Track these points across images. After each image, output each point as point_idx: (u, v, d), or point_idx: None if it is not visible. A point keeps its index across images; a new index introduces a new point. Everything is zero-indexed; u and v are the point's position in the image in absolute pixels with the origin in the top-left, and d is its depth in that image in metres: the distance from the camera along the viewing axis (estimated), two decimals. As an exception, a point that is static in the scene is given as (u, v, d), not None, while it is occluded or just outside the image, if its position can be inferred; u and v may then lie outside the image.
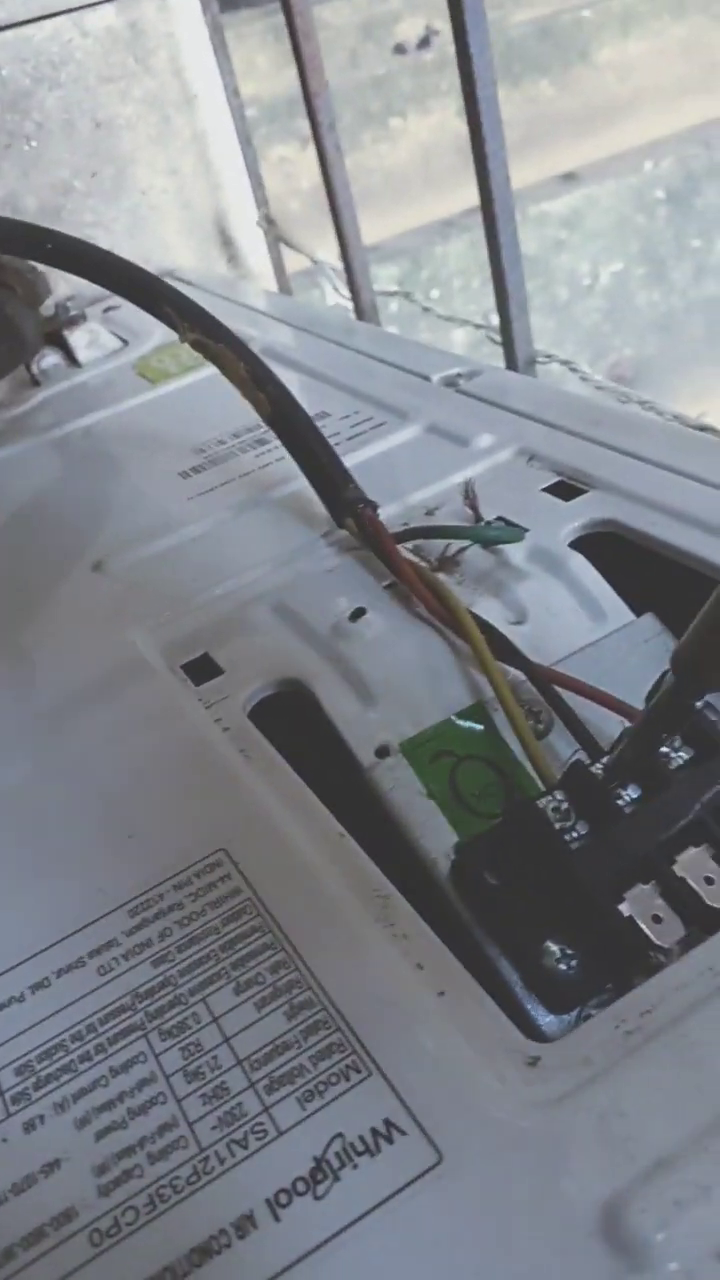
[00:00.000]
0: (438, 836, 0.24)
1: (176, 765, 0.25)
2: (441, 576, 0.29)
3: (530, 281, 0.50)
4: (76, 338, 0.48)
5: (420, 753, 0.25)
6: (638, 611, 0.29)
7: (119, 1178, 0.17)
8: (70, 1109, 0.18)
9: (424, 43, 1.86)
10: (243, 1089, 0.18)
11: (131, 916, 0.21)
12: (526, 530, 0.30)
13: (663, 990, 0.18)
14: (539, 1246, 0.15)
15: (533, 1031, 0.20)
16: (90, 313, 0.51)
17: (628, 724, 0.24)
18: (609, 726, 0.25)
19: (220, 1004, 0.19)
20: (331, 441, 0.34)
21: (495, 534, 0.30)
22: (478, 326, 0.52)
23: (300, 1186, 0.16)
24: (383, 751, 0.26)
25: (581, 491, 0.32)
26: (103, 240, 0.57)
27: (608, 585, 0.29)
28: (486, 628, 0.27)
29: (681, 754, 0.24)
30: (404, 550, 0.30)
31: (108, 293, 0.39)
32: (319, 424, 0.34)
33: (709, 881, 0.22)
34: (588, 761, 0.23)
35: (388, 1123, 0.17)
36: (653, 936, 0.21)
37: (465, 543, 0.30)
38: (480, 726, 0.26)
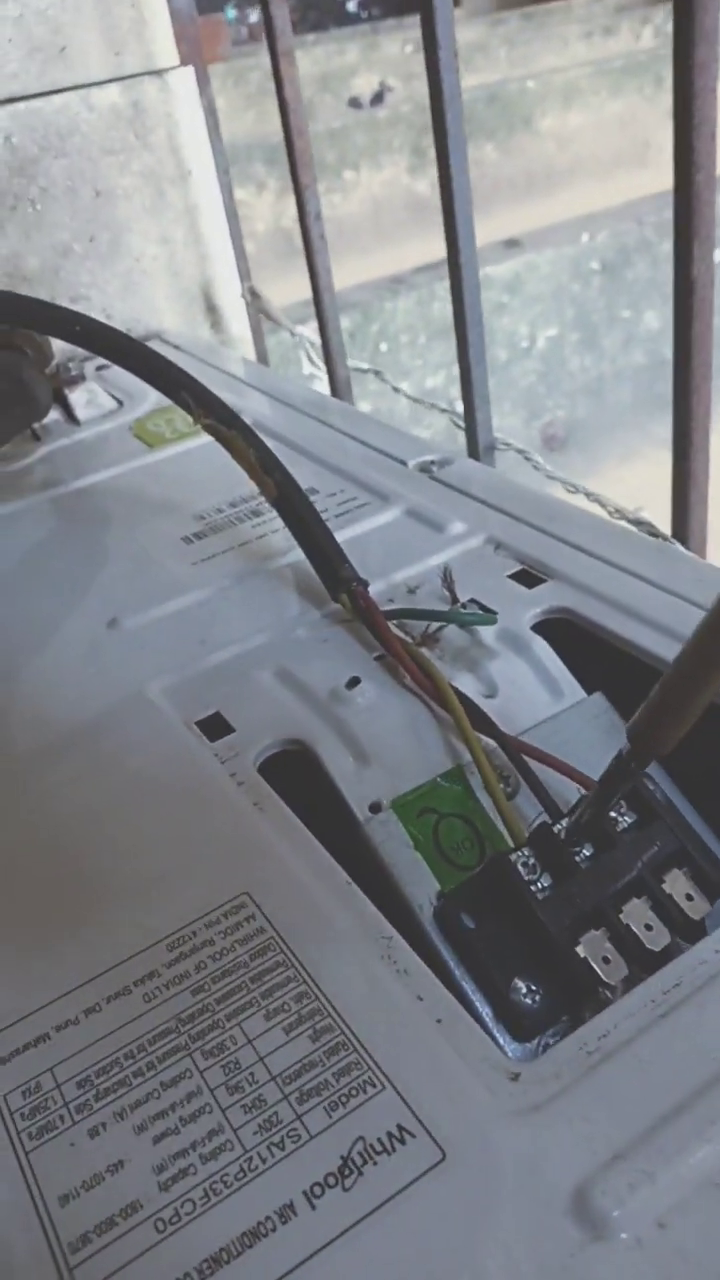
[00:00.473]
0: (423, 885, 0.27)
1: (199, 814, 0.28)
2: (424, 651, 0.33)
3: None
4: (76, 396, 0.51)
5: (408, 810, 0.29)
6: (588, 688, 0.33)
7: (176, 1175, 0.20)
8: (129, 1117, 0.21)
9: (378, 98, 1.93)
10: (277, 1100, 0.21)
11: (170, 950, 0.24)
12: (497, 614, 0.35)
13: (616, 1018, 0.22)
14: (523, 1223, 0.19)
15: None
16: (85, 369, 0.54)
17: (582, 790, 0.29)
18: (566, 790, 0.30)
19: (253, 1028, 0.23)
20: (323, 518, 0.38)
21: (472, 618, 0.34)
22: (443, 411, 0.57)
23: (331, 1180, 0.20)
24: (375, 807, 0.29)
25: (541, 580, 0.36)
26: (96, 301, 0.60)
27: (563, 665, 0.34)
28: (465, 700, 0.31)
29: (626, 818, 0.28)
30: (392, 626, 0.34)
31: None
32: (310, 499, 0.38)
33: (649, 928, 0.26)
34: (550, 822, 0.28)
35: (400, 1127, 0.20)
36: (603, 975, 0.25)
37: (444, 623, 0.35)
38: (459, 787, 0.30)
